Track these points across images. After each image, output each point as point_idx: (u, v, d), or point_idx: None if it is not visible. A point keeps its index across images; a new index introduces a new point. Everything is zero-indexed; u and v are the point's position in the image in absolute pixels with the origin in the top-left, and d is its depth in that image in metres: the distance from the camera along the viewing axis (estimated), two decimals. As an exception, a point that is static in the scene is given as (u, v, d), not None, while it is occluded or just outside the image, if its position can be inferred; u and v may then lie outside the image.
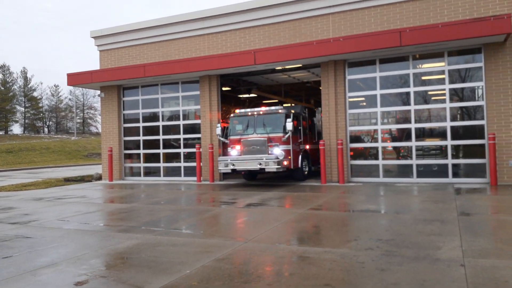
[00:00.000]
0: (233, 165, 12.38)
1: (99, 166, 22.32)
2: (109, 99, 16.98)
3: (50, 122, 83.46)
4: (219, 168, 12.66)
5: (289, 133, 12.39)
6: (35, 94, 79.33)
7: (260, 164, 11.96)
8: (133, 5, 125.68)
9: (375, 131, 12.90)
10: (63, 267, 4.99)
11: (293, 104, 21.00)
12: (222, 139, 13.77)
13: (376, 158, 12.75)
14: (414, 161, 12.21)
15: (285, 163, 12.17)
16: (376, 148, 12.79)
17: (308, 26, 13.36)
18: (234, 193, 11.47)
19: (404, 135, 12.53)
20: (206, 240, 6.09)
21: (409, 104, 12.29)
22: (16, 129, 77.50)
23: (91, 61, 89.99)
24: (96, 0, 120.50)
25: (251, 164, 12.15)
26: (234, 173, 12.84)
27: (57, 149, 42.71)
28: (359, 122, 13.47)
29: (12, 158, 36.97)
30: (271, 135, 12.62)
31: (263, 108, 13.32)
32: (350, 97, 13.03)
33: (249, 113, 13.30)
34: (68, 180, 17.14)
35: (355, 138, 13.20)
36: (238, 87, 18.83)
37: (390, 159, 12.81)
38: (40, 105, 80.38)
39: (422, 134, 12.41)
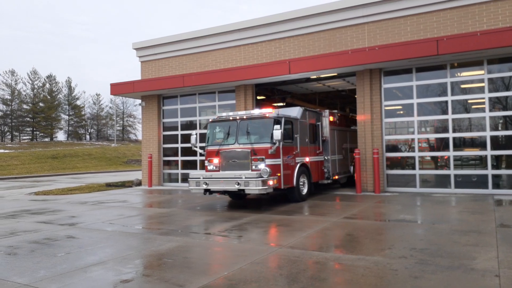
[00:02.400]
0: (206, 184, 9.84)
1: (139, 172, 23.19)
2: (150, 108, 17.70)
3: (92, 130, 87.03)
4: (190, 187, 10.16)
5: (277, 144, 9.88)
6: (78, 102, 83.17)
7: (238, 183, 9.35)
8: (163, 17, 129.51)
9: (412, 140, 12.75)
10: (110, 265, 5.37)
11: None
12: (197, 149, 11.66)
13: (413, 167, 12.59)
14: (452, 171, 11.96)
15: (272, 182, 9.52)
16: (413, 158, 12.63)
17: (343, 36, 13.46)
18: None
19: (442, 144, 12.32)
20: (242, 245, 6.32)
21: (446, 113, 12.09)
22: (61, 136, 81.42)
23: (126, 71, 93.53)
24: (128, 13, 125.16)
25: (228, 183, 9.55)
26: (209, 194, 10.24)
27: (98, 156, 44.56)
28: (396, 131, 13.37)
29: (57, 163, 38.90)
30: (255, 146, 9.99)
31: (247, 112, 10.80)
32: (386, 105, 12.97)
33: (231, 118, 10.66)
34: (110, 185, 17.95)
35: (391, 147, 13.10)
36: (272, 96, 19.11)
37: (427, 169, 12.60)
38: (83, 113, 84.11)
39: (460, 143, 12.15)
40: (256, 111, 10.60)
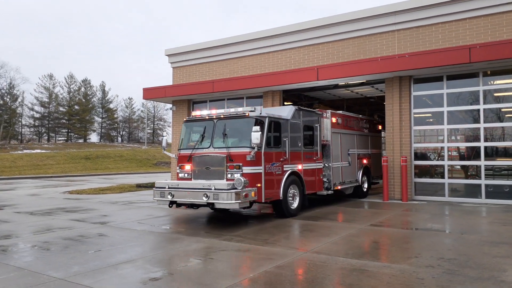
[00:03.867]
0: (171, 195, 8.38)
1: (168, 174, 23.66)
2: (180, 112, 18.11)
3: (124, 132, 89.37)
4: (154, 198, 8.77)
5: (256, 148, 8.25)
6: (111, 106, 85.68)
7: (206, 196, 7.87)
8: (193, 26, 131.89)
9: (442, 148, 12.50)
10: (139, 263, 5.58)
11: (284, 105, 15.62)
12: (168, 153, 10.51)
13: (442, 176, 12.33)
14: (483, 181, 11.64)
15: (249, 194, 8.03)
16: (442, 166, 12.37)
17: (373, 43, 13.40)
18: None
19: (473, 153, 12.02)
20: (268, 248, 6.42)
21: (478, 121, 11.80)
22: (94, 137, 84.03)
23: (157, 77, 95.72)
24: (158, 22, 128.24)
25: (196, 195, 8.06)
26: (176, 206, 8.79)
27: (129, 157, 45.76)
28: (425, 139, 13.14)
29: (90, 164, 40.21)
30: (232, 150, 8.49)
31: (226, 110, 9.23)
32: (415, 113, 12.78)
33: (207, 117, 9.21)
34: (140, 186, 18.44)
35: (420, 155, 12.88)
36: (300, 102, 19.15)
37: (457, 178, 12.31)
38: (115, 116, 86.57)
39: (492, 153, 11.82)
40: (237, 109, 8.99)
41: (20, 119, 71.94)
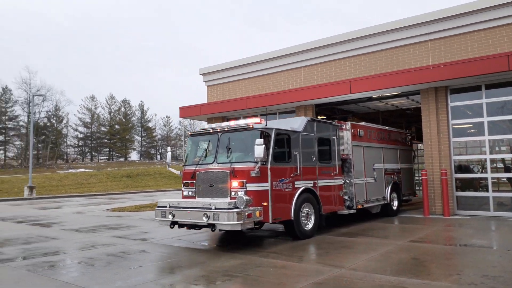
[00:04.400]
0: (172, 214, 7.98)
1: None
2: (214, 130, 18.48)
3: (162, 150, 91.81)
4: (156, 218, 8.44)
5: (260, 163, 7.66)
6: (150, 124, 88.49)
7: (206, 216, 7.37)
8: (225, 42, 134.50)
9: (484, 160, 12.04)
10: (178, 278, 5.74)
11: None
12: (172, 170, 9.89)
13: (486, 189, 11.83)
14: (531, 194, 11.07)
15: (253, 214, 7.40)
16: (486, 179, 11.89)
17: (406, 54, 13.23)
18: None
19: (519, 165, 11.48)
20: (304, 265, 6.42)
21: (523, 131, 11.30)
22: (134, 156, 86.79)
23: (193, 93, 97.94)
24: (191, 39, 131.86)
25: (196, 215, 7.56)
26: (179, 227, 8.21)
27: (168, 174, 46.85)
28: (465, 151, 12.71)
29: (131, 182, 41.54)
30: (236, 166, 7.92)
31: (230, 123, 8.64)
32: (453, 124, 12.42)
33: (211, 130, 8.71)
34: (177, 204, 18.81)
35: (461, 168, 12.45)
36: (333, 116, 19.06)
37: (503, 191, 11.76)
38: (154, 134, 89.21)
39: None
40: (241, 122, 8.46)
41: (65, 140, 75.70)
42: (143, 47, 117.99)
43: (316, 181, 9.20)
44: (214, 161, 8.31)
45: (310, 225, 8.84)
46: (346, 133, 10.67)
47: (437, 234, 9.10)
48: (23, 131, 61.60)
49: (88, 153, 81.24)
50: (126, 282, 5.60)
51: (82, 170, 49.27)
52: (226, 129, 8.43)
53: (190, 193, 8.62)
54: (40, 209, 18.86)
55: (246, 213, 7.24)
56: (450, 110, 12.41)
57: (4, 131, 62.57)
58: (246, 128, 8.12)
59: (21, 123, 64.61)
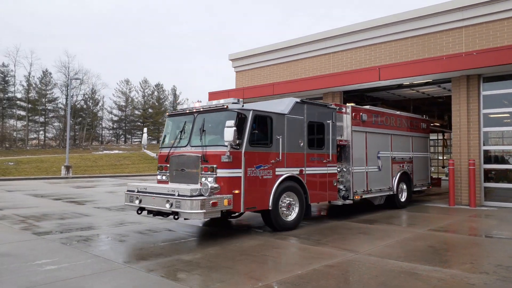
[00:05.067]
0: (139, 200, 7.45)
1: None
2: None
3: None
4: (124, 202, 7.90)
5: (229, 148, 7.00)
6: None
7: (169, 203, 6.86)
8: (256, 27, 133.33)
9: (516, 151, 11.67)
10: (199, 256, 6.05)
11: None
12: (147, 152, 9.28)
13: (516, 181, 11.51)
14: None
15: (220, 202, 6.85)
16: (517, 170, 11.55)
17: (438, 41, 12.88)
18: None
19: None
20: (319, 248, 6.59)
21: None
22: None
23: (223, 78, 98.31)
24: (222, 24, 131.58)
25: (160, 201, 7.07)
26: (147, 213, 7.62)
27: (196, 158, 47.72)
28: (496, 141, 12.36)
29: (161, 164, 42.61)
30: (207, 150, 7.38)
31: (205, 103, 8.00)
32: (485, 114, 12.08)
33: (188, 111, 8.20)
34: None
35: (491, 159, 12.13)
36: (362, 103, 18.85)
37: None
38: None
39: None
40: (215, 102, 7.77)
41: (100, 122, 78.29)
42: (177, 33, 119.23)
43: (303, 168, 8.51)
44: (188, 144, 7.77)
45: (292, 216, 8.15)
46: (346, 117, 9.87)
47: (459, 224, 9.02)
48: (62, 113, 64.22)
49: (122, 135, 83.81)
50: (151, 258, 5.97)
51: (116, 151, 51.04)
52: (201, 109, 7.83)
53: (164, 177, 8.14)
54: (75, 187, 19.88)
55: (211, 202, 6.70)
56: (482, 99, 12.06)
57: (44, 112, 65.39)
58: (221, 109, 7.47)
59: (59, 105, 67.32)
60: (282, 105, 8.42)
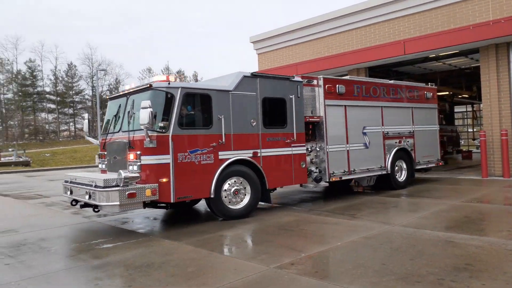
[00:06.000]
0: (70, 191, 7.12)
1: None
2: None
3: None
4: (63, 193, 7.55)
5: (146, 131, 6.34)
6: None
7: (88, 194, 6.46)
8: (272, 7, 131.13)
9: (550, 119, 11.43)
10: (239, 232, 6.38)
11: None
12: (90, 139, 8.84)
13: (551, 149, 11.32)
14: None
15: (140, 193, 6.29)
16: (551, 139, 11.34)
17: (464, 10, 12.57)
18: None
19: None
20: (355, 222, 6.82)
21: None
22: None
23: (242, 62, 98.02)
24: (237, 7, 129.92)
25: (83, 193, 6.65)
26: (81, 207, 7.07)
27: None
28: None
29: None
30: (135, 134, 6.78)
31: (133, 85, 7.45)
32: (516, 82, 11.83)
33: (121, 93, 7.74)
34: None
35: (524, 128, 11.92)
36: (388, 78, 18.67)
37: None
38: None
39: None
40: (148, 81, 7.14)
41: (126, 111, 79.83)
42: (194, 18, 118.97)
43: (258, 150, 7.71)
44: (120, 129, 7.27)
45: (243, 203, 7.44)
46: (318, 91, 8.87)
47: (494, 195, 9.04)
48: (89, 103, 65.87)
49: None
50: (196, 234, 6.34)
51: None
52: (132, 91, 7.32)
53: (103, 166, 7.76)
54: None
55: (127, 193, 6.13)
56: (513, 67, 11.81)
57: (72, 104, 67.27)
58: (145, 88, 6.92)
59: (86, 96, 69.04)
60: (227, 81, 7.61)
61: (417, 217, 6.90)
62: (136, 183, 6.35)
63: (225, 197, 7.24)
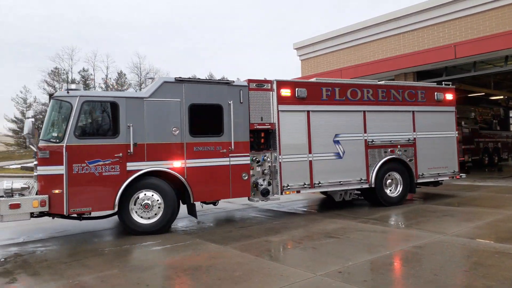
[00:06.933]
0: None
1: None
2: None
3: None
4: None
5: (28, 141, 6.45)
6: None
7: None
8: (311, 14, 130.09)
9: None
10: (285, 237, 6.38)
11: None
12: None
13: None
14: None
15: (26, 204, 6.20)
16: None
17: (520, 10, 11.96)
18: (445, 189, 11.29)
19: None
20: (405, 231, 6.63)
21: None
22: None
23: (282, 69, 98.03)
24: (276, 15, 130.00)
25: None
26: None
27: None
28: None
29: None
30: (38, 144, 6.62)
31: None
32: None
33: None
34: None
35: None
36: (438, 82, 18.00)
37: None
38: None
39: None
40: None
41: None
42: (232, 27, 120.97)
43: (182, 161, 7.18)
44: (40, 138, 6.90)
45: (155, 218, 6.96)
46: (271, 95, 8.04)
47: (556, 206, 8.46)
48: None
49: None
50: (242, 239, 6.41)
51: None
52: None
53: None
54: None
55: (9, 203, 6.09)
56: None
57: (121, 112, 70.26)
58: (52, 97, 6.83)
59: (134, 104, 71.83)
60: (147, 89, 7.37)
61: (471, 227, 6.59)
62: (38, 193, 6.39)
63: (135, 211, 6.87)
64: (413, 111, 9.46)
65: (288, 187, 8.06)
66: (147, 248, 6.03)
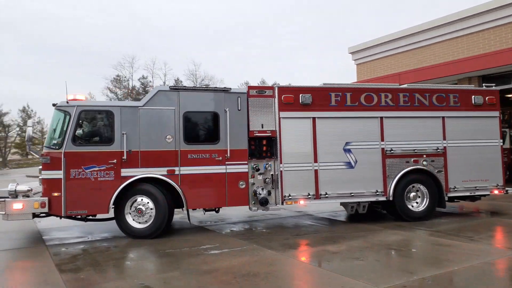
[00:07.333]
0: None
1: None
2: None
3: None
4: None
5: (28, 148, 7.32)
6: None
7: None
8: (364, 16, 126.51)
9: None
10: (344, 248, 6.23)
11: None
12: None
13: None
14: None
15: (28, 205, 6.79)
16: None
17: None
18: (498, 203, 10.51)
19: None
20: (474, 245, 6.20)
21: None
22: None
23: (332, 73, 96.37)
24: (328, 17, 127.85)
25: None
26: None
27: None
28: None
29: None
30: (43, 150, 7.36)
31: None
32: None
33: None
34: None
35: None
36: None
37: None
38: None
39: None
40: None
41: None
42: (286, 32, 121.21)
43: (176, 168, 7.31)
44: (44, 144, 7.57)
45: (148, 223, 7.15)
46: (274, 102, 7.85)
47: None
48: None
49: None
50: (298, 247, 6.34)
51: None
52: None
53: None
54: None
55: (9, 204, 6.70)
56: None
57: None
58: (55, 107, 7.31)
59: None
60: (143, 98, 7.66)
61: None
62: (43, 195, 6.92)
63: (130, 215, 7.14)
64: (443, 117, 8.58)
65: (290, 197, 7.79)
66: (205, 252, 6.13)
